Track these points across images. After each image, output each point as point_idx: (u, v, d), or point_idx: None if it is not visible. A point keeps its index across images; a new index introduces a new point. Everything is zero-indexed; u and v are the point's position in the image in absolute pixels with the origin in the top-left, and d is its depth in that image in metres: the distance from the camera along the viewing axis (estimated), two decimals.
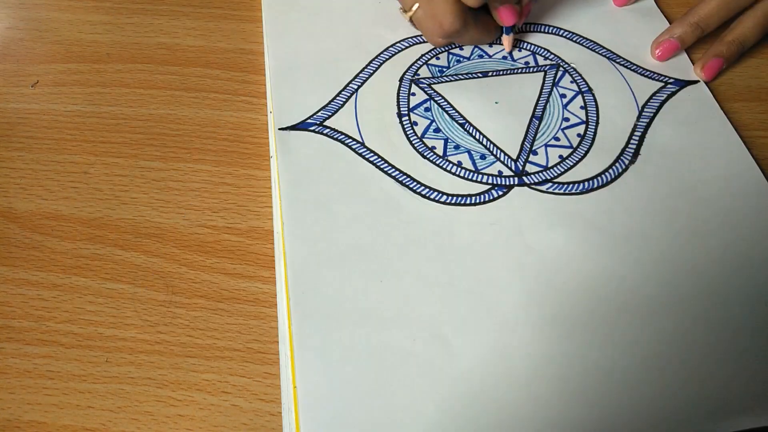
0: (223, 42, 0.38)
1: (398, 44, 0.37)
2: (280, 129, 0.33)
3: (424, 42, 0.37)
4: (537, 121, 0.33)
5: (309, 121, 0.33)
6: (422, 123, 0.33)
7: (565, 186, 0.31)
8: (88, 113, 0.35)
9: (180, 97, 0.36)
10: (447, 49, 0.37)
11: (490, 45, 0.37)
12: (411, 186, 0.31)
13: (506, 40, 0.36)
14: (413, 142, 0.32)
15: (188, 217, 0.31)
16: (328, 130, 0.33)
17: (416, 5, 0.33)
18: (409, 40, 0.37)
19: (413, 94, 0.34)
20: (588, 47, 0.37)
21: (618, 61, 0.36)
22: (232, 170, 0.33)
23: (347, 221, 0.29)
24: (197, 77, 0.37)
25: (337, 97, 0.34)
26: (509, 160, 0.32)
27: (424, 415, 0.24)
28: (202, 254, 0.30)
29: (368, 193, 0.30)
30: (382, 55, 0.36)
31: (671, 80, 0.35)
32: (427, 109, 0.34)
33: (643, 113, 0.34)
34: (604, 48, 0.37)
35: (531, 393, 0.25)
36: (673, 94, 0.35)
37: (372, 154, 0.32)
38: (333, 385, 0.25)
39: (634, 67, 0.36)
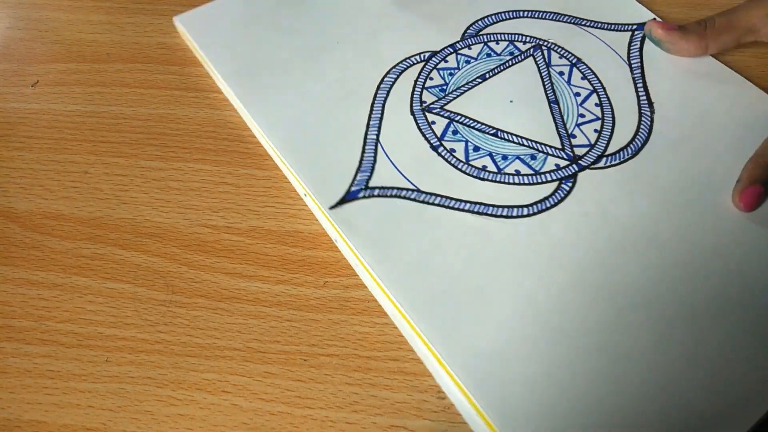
0: None
1: (386, 78, 0.35)
2: (330, 208, 0.30)
3: (407, 67, 0.36)
4: (556, 105, 0.34)
5: (353, 189, 0.31)
6: (459, 147, 0.32)
7: (617, 155, 0.32)
8: (88, 113, 0.35)
9: (180, 97, 0.36)
10: (434, 66, 0.36)
11: (469, 47, 0.36)
12: (488, 212, 0.30)
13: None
14: (462, 169, 0.32)
15: (188, 216, 0.31)
16: (377, 190, 0.31)
17: None
18: (394, 70, 0.35)
19: (434, 123, 0.33)
20: (553, 19, 0.38)
21: (583, 24, 0.37)
22: (232, 170, 0.33)
23: (449, 272, 0.28)
24: (197, 77, 0.37)
25: (366, 154, 0.32)
26: (557, 151, 0.32)
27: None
28: (202, 254, 0.30)
29: (454, 236, 0.29)
30: (378, 94, 0.35)
31: (635, 26, 0.37)
32: (455, 132, 0.33)
33: (632, 65, 0.35)
34: (565, 15, 0.38)
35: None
36: (644, 38, 0.36)
37: (433, 197, 0.30)
38: None
39: (599, 24, 0.37)
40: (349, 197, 0.30)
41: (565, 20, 0.38)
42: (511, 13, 0.38)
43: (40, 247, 0.30)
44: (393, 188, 0.31)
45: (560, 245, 0.29)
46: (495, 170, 0.31)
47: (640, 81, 0.34)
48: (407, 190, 0.31)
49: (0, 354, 0.27)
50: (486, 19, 0.38)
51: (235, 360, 0.27)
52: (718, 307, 0.27)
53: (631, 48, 0.36)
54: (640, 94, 0.34)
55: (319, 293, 0.29)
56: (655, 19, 0.37)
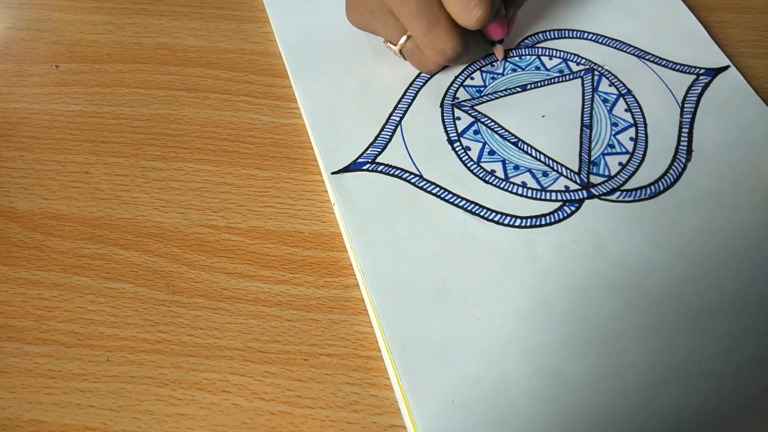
0: (224, 42, 0.38)
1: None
2: (332, 173, 0.31)
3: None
4: (588, 130, 0.33)
5: (360, 160, 0.32)
6: (475, 147, 0.33)
7: (634, 192, 0.31)
8: (89, 113, 0.35)
9: (181, 97, 0.36)
10: (479, 67, 0.36)
11: (520, 57, 0.36)
12: (481, 214, 0.30)
13: (498, 50, 0.36)
14: (471, 168, 0.32)
15: (189, 216, 0.31)
16: (382, 166, 0.32)
17: (404, 38, 0.32)
18: None
19: (458, 119, 0.34)
20: (616, 47, 0.37)
21: (647, 58, 0.36)
22: (233, 170, 0.33)
23: (427, 260, 0.28)
24: (198, 77, 0.37)
25: (383, 132, 0.33)
26: (572, 173, 0.32)
27: None
28: (202, 254, 0.30)
29: (440, 227, 0.30)
30: (416, 82, 0.35)
31: (702, 71, 0.35)
32: (476, 132, 0.33)
33: (685, 109, 0.34)
34: (630, 46, 0.36)
35: (648, 403, 0.25)
36: (708, 84, 0.35)
37: (433, 186, 0.31)
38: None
39: (664, 62, 0.36)
40: (353, 167, 0.32)
41: (628, 51, 0.36)
42: (575, 33, 0.38)
43: (41, 247, 0.30)
44: (397, 168, 0.32)
45: (540, 264, 0.28)
46: (502, 177, 0.31)
47: (687, 126, 0.33)
48: (410, 173, 0.31)
49: (1, 354, 0.27)
50: (547, 33, 0.37)
51: (235, 360, 0.27)
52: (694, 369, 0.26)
53: (690, 92, 0.34)
54: (682, 138, 0.33)
55: (319, 293, 0.29)
56: None
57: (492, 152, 0.32)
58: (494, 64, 0.36)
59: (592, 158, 0.32)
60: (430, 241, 0.29)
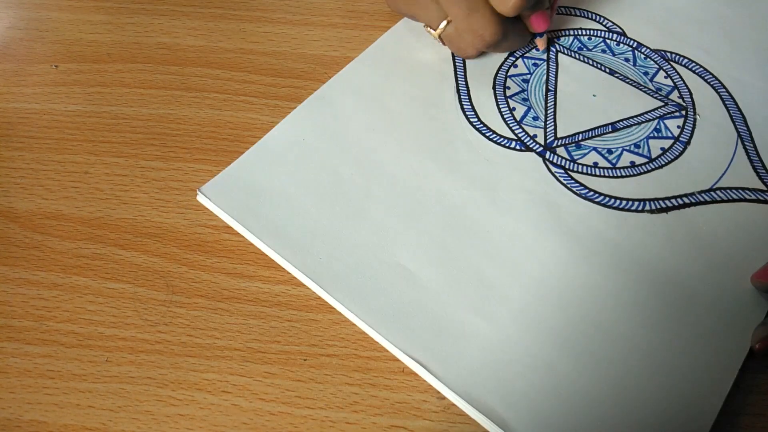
0: (224, 42, 0.38)
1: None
2: None
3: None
4: (610, 128, 0.34)
5: None
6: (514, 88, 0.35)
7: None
8: (88, 113, 0.35)
9: (180, 97, 0.36)
10: (522, 54, 0.37)
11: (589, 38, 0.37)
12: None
13: (540, 42, 0.36)
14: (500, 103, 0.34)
15: (188, 216, 0.31)
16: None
17: (444, 22, 0.33)
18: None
19: (515, 67, 0.36)
20: (729, 107, 0.34)
21: (746, 140, 0.33)
22: None
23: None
24: (197, 77, 0.37)
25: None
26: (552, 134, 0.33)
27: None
28: (202, 254, 0.30)
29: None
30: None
31: None
32: (530, 71, 0.35)
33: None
34: (741, 116, 0.34)
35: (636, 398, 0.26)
36: None
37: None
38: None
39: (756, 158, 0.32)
40: None
41: (738, 121, 0.34)
42: (706, 71, 0.36)
43: (41, 247, 0.30)
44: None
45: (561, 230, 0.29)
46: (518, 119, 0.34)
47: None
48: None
49: (0, 354, 0.27)
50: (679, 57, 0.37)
51: (235, 360, 0.27)
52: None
53: None
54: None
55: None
56: None
57: (525, 99, 0.35)
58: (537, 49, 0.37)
59: (582, 142, 0.33)
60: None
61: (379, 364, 0.27)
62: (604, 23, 0.38)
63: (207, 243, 0.30)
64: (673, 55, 0.36)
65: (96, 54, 0.38)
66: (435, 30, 0.34)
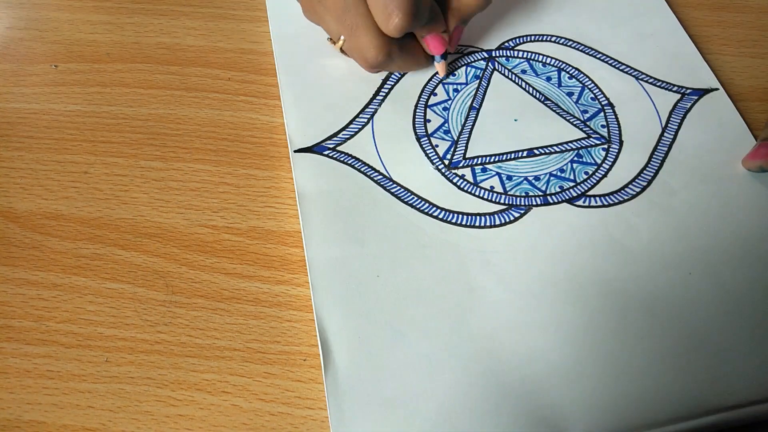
0: (224, 42, 0.38)
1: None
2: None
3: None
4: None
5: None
6: (435, 120, 0.34)
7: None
8: (88, 113, 0.35)
9: (180, 97, 0.36)
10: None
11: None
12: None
13: (439, 66, 0.35)
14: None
15: (188, 216, 0.31)
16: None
17: (342, 37, 0.32)
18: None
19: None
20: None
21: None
22: (232, 170, 0.33)
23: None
24: (197, 77, 0.37)
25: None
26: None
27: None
28: (202, 254, 0.30)
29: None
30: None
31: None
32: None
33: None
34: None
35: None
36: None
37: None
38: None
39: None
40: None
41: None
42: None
43: (40, 247, 0.30)
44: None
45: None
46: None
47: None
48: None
49: (0, 354, 0.27)
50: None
51: (235, 360, 0.27)
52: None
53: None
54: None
55: None
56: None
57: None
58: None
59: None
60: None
61: None
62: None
63: (207, 243, 0.30)
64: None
65: (95, 54, 0.38)
66: (336, 43, 0.33)
